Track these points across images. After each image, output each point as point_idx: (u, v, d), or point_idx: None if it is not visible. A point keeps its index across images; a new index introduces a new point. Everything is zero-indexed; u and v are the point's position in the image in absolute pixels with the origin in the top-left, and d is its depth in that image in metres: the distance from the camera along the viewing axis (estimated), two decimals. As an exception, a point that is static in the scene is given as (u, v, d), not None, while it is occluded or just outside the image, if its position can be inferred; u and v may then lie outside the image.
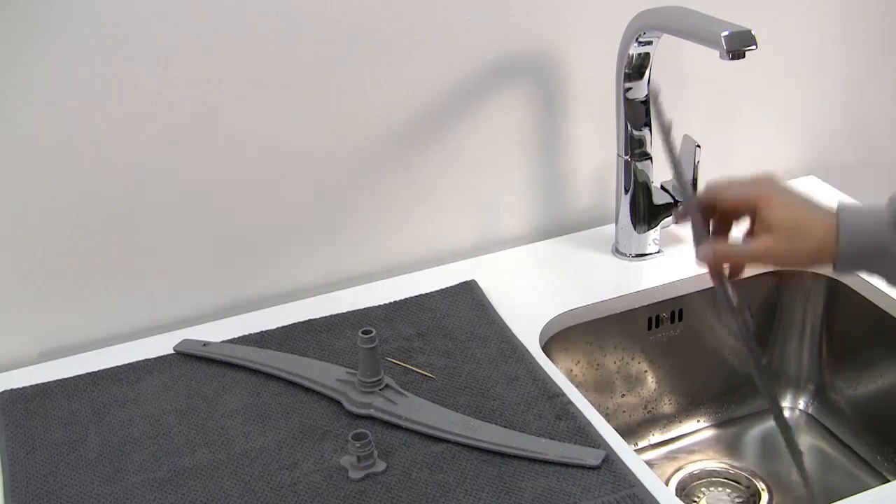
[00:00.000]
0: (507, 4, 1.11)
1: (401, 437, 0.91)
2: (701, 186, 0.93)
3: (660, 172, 1.16)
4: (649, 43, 1.08)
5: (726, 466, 1.17)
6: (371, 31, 1.07)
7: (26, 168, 1.00)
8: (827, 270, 1.16)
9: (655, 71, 1.10)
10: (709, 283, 0.87)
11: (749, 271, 0.88)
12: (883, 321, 1.11)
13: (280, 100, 1.06)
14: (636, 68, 1.10)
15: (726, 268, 0.87)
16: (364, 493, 0.85)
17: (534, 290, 1.15)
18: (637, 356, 1.18)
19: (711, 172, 1.22)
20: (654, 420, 1.22)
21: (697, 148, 1.12)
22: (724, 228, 0.88)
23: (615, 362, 1.17)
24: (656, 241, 1.19)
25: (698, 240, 0.88)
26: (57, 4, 0.94)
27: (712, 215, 0.88)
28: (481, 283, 1.14)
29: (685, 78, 1.24)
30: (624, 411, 1.20)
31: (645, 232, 1.18)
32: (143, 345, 1.06)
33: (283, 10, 1.02)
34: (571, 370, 1.14)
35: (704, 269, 0.87)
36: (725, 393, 1.24)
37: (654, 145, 1.14)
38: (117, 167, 1.03)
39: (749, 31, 0.93)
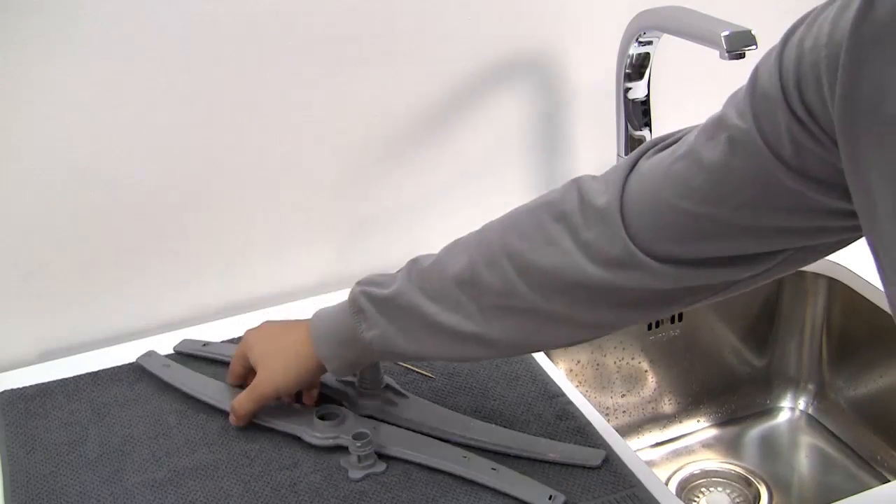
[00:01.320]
0: (507, 4, 1.11)
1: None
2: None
3: (660, 172, 1.16)
4: (649, 43, 1.08)
5: (726, 466, 1.17)
6: (371, 31, 1.07)
7: (26, 168, 1.00)
8: (826, 270, 1.17)
9: (655, 71, 1.10)
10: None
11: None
12: (883, 321, 1.11)
13: (280, 99, 1.06)
14: (636, 68, 1.10)
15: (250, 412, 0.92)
16: (364, 493, 0.85)
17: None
18: (637, 356, 1.18)
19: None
20: (654, 420, 1.22)
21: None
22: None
23: (615, 362, 1.17)
24: (656, 241, 1.19)
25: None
26: (56, 5, 0.94)
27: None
28: (481, 283, 1.14)
29: (685, 78, 1.24)
30: (624, 411, 1.20)
31: (645, 232, 1.18)
32: (142, 345, 1.06)
33: (283, 10, 1.02)
34: (571, 370, 1.14)
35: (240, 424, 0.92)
36: (725, 393, 1.24)
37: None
38: (117, 168, 1.03)
39: (749, 31, 0.93)
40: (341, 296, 1.13)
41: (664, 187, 0.68)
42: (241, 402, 0.91)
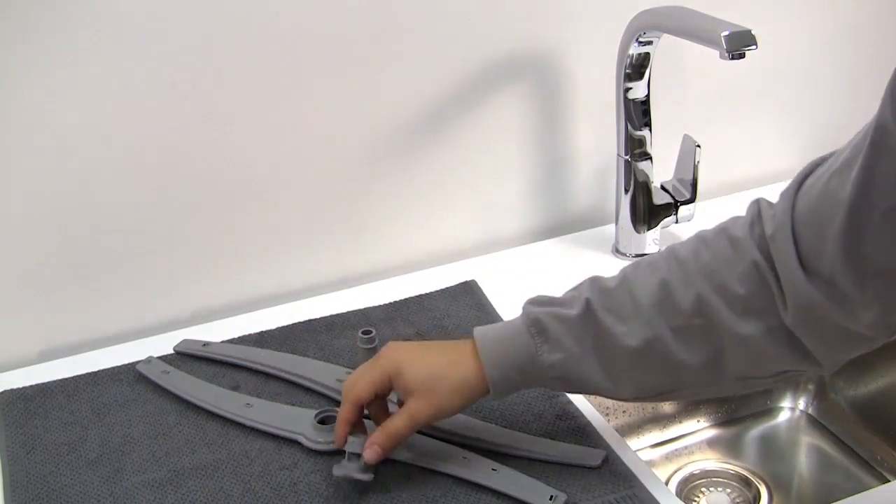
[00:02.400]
0: (507, 4, 1.11)
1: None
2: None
3: (660, 172, 1.16)
4: (649, 43, 1.08)
5: (726, 466, 1.17)
6: (370, 32, 1.07)
7: (26, 168, 1.00)
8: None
9: (655, 71, 1.10)
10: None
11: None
12: (883, 321, 1.11)
13: (281, 100, 1.06)
14: (636, 68, 1.10)
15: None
16: (364, 492, 0.85)
17: (534, 290, 1.14)
18: (637, 356, 1.18)
19: (711, 172, 1.23)
20: (654, 420, 1.22)
21: (697, 148, 1.12)
22: (383, 415, 0.85)
23: (615, 362, 1.17)
24: (656, 241, 1.19)
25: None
26: (55, 5, 0.94)
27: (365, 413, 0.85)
28: (481, 283, 1.14)
29: (685, 78, 1.24)
30: (624, 411, 1.20)
31: (645, 232, 1.18)
32: (142, 345, 1.06)
33: (284, 10, 1.02)
34: (571, 370, 1.14)
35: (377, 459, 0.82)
36: (725, 393, 1.24)
37: (654, 145, 1.15)
38: (117, 168, 1.03)
39: (749, 31, 0.93)
40: (341, 296, 1.14)
41: (822, 205, 0.68)
42: (397, 430, 0.82)
